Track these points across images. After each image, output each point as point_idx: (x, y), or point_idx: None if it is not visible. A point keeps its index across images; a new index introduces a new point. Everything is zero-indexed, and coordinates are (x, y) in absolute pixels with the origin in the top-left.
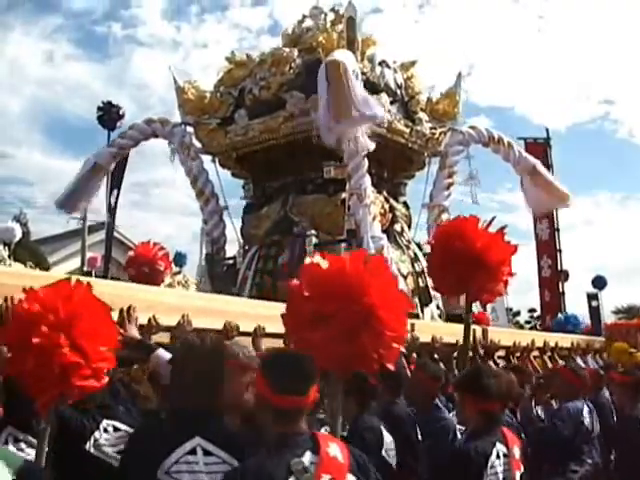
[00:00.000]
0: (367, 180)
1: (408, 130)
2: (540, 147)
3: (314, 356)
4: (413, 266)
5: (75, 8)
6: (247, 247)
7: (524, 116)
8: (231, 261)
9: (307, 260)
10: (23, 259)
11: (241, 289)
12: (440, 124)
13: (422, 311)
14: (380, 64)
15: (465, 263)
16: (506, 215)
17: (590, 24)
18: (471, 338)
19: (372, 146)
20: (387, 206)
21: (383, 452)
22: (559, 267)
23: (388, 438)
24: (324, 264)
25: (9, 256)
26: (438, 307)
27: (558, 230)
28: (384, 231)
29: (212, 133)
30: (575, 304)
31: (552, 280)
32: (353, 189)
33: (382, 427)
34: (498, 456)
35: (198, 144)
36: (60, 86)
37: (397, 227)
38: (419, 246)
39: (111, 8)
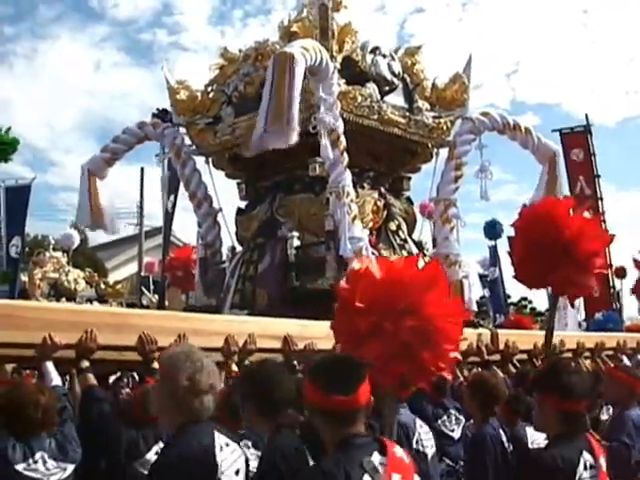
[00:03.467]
0: (347, 177)
1: (405, 120)
2: (580, 136)
3: (373, 371)
4: None
5: (120, 17)
6: (235, 251)
7: (571, 112)
8: (223, 265)
9: (355, 264)
10: (81, 265)
11: (225, 296)
12: (448, 112)
13: None
14: (373, 51)
15: (550, 251)
16: None
17: (636, 16)
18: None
19: (339, 123)
20: (381, 203)
21: None
22: (608, 260)
23: None
24: (377, 272)
25: (68, 262)
26: None
27: (605, 221)
28: (377, 230)
29: (202, 133)
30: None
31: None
32: (331, 187)
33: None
34: (585, 467)
35: (192, 145)
36: (109, 92)
37: (392, 225)
38: (420, 245)
39: (155, 16)
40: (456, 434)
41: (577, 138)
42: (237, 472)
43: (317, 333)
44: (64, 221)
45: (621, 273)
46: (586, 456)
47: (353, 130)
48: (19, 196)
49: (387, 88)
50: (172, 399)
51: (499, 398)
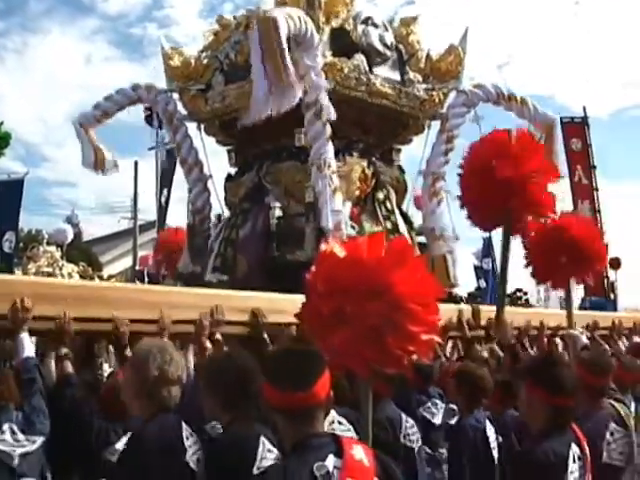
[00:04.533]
0: (329, 150)
1: (395, 92)
2: (578, 127)
3: (340, 358)
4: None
5: (110, 11)
6: (221, 218)
7: (565, 104)
8: (210, 232)
9: (323, 246)
10: (76, 260)
11: (207, 260)
12: (441, 84)
13: None
14: (365, 22)
15: (500, 189)
16: None
17: (627, 7)
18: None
19: (332, 115)
20: (370, 171)
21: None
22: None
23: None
24: (340, 253)
25: (62, 257)
26: None
27: (600, 212)
28: (364, 199)
29: (194, 100)
30: (631, 291)
31: None
32: (313, 159)
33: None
34: (574, 459)
35: (184, 111)
36: (100, 87)
37: (380, 195)
38: (406, 216)
39: (145, 10)
40: (437, 420)
41: (576, 128)
42: (197, 461)
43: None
44: (58, 216)
45: (615, 264)
46: (574, 448)
47: (340, 101)
48: (12, 191)
49: (378, 59)
50: (143, 387)
51: (486, 390)
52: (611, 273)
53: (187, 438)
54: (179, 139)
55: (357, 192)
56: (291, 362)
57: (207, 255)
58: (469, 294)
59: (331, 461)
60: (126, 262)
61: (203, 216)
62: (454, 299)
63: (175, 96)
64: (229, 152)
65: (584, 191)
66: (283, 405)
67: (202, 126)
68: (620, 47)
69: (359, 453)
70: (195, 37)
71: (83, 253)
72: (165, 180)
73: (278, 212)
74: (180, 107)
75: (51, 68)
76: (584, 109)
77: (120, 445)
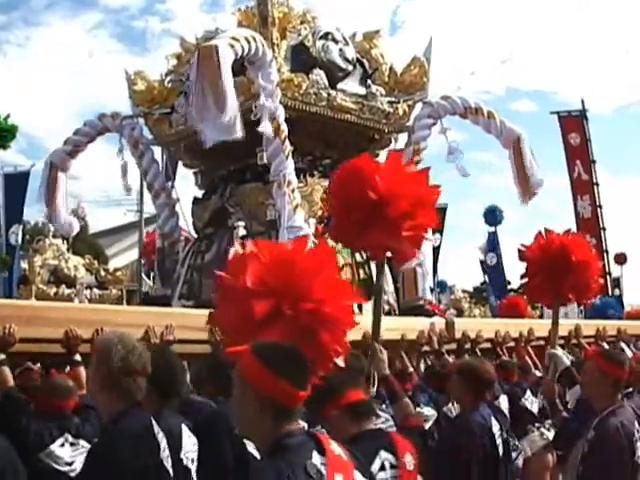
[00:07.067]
0: (288, 166)
1: (357, 107)
2: (576, 120)
3: None
4: (353, 256)
5: (112, 4)
6: (188, 241)
7: (567, 99)
8: (179, 256)
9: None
10: (81, 252)
11: (175, 287)
12: (407, 96)
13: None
14: (324, 37)
15: (361, 212)
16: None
17: (631, 1)
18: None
19: (280, 112)
20: None
21: None
22: (604, 247)
23: None
24: (264, 255)
25: (68, 249)
26: (387, 302)
27: (601, 207)
28: (327, 218)
29: (158, 123)
30: (638, 287)
31: None
32: (273, 176)
33: None
34: (383, 467)
35: (150, 136)
36: (103, 80)
37: None
38: None
39: (147, 3)
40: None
41: (574, 122)
42: (168, 457)
43: None
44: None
45: (621, 259)
46: (384, 455)
47: (302, 117)
48: (18, 183)
49: (340, 74)
50: (108, 380)
51: (491, 382)
52: (617, 269)
53: (158, 432)
54: (145, 164)
55: (320, 211)
56: (299, 360)
57: (175, 280)
58: (475, 288)
59: (317, 459)
60: (132, 255)
61: (172, 240)
62: (426, 313)
63: (141, 121)
64: (195, 174)
65: (584, 186)
66: (287, 401)
67: (169, 150)
68: (623, 42)
69: (337, 448)
70: (196, 32)
71: (89, 246)
72: (168, 174)
73: (242, 231)
74: (146, 132)
75: (53, 62)
76: (582, 102)
77: (55, 447)
